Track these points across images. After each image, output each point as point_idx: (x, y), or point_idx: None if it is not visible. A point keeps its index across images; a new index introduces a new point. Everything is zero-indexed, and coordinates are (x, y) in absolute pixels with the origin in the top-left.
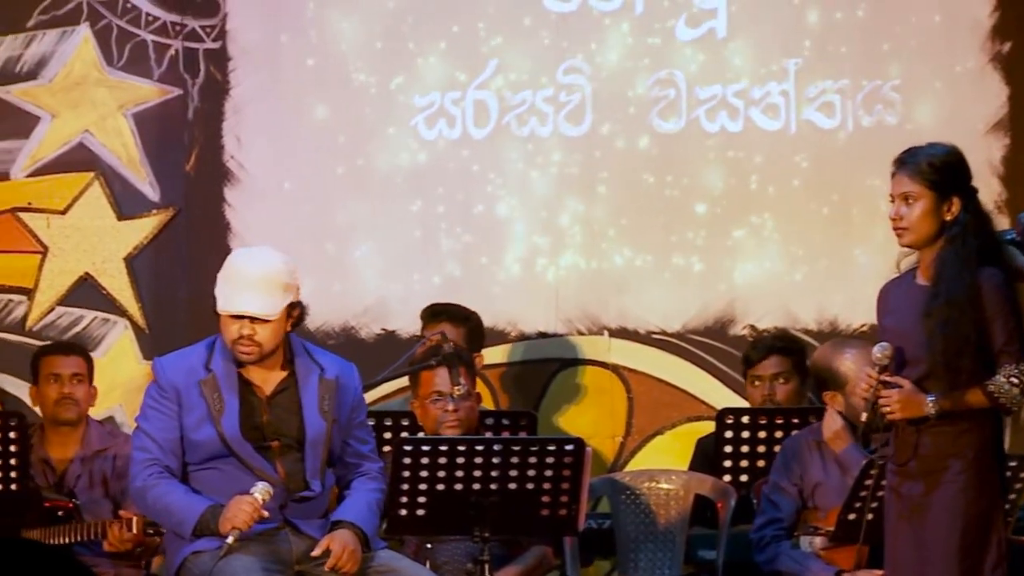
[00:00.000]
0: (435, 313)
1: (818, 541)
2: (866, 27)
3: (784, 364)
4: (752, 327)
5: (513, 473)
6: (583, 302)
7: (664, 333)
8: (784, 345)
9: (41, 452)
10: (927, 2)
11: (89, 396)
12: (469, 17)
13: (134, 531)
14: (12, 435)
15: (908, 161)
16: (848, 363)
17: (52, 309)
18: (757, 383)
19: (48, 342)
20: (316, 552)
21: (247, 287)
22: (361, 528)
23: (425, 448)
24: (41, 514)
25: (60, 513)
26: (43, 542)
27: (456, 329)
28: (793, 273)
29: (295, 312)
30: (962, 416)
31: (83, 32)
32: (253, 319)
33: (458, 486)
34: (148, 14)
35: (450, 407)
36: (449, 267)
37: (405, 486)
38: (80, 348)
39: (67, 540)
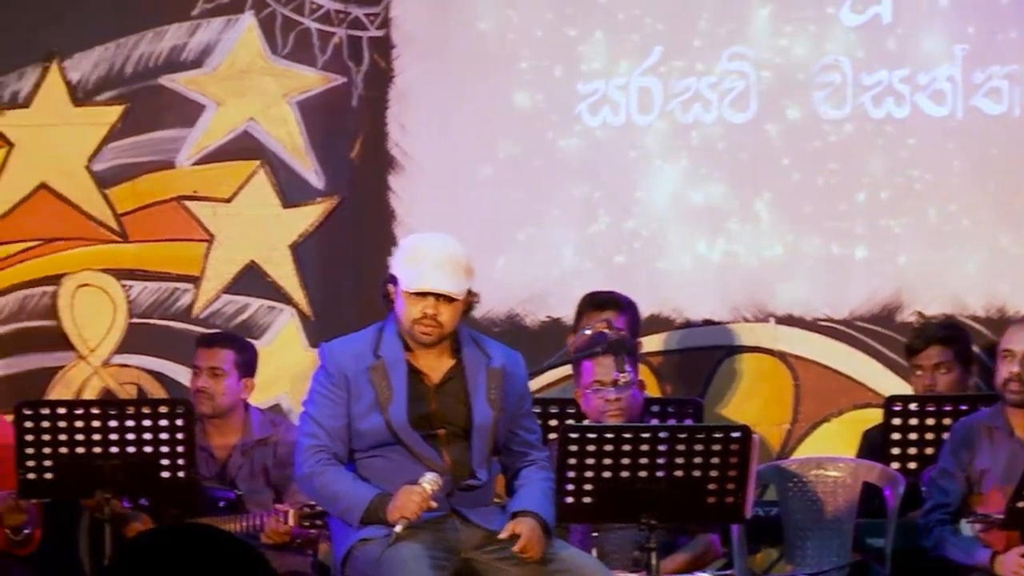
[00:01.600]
0: (597, 301)
1: (978, 526)
2: None
3: (946, 354)
4: (919, 313)
5: (680, 461)
6: (748, 289)
7: (830, 320)
8: (947, 335)
9: (203, 441)
10: None
11: (234, 389)
12: (633, 4)
13: (290, 523)
14: (179, 423)
15: None
16: None
17: (218, 297)
18: (919, 372)
19: (214, 331)
20: (503, 535)
21: (436, 266)
22: (542, 517)
23: (591, 436)
24: (204, 504)
25: (222, 503)
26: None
27: (618, 317)
28: (960, 259)
29: (471, 299)
30: None
31: (247, 20)
32: (439, 298)
33: (624, 474)
34: (312, 2)
35: (611, 396)
36: (613, 254)
37: (571, 474)
38: (230, 340)
39: (231, 531)
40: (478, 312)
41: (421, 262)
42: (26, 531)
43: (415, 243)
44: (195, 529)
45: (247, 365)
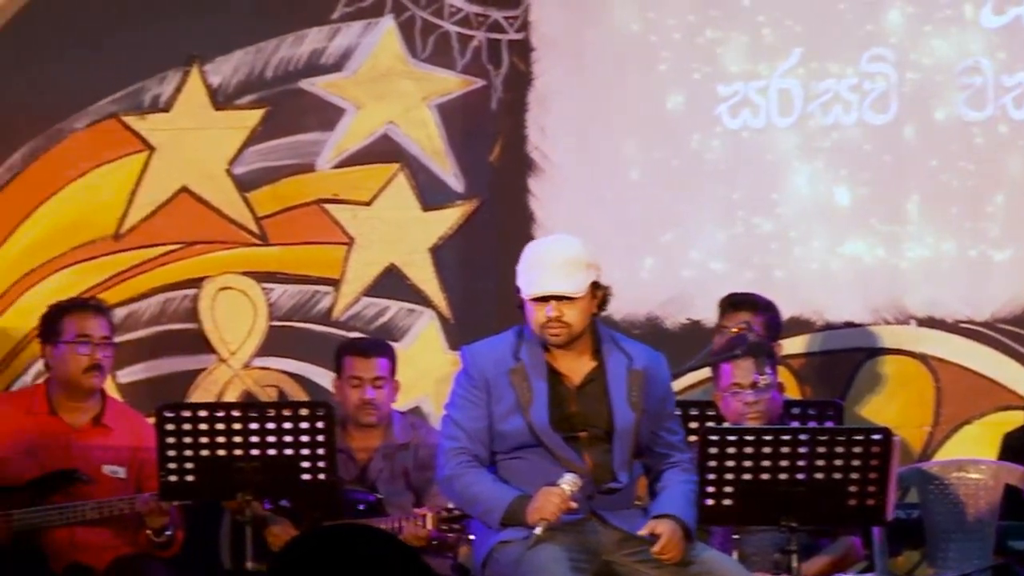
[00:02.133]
0: (736, 303)
1: None
2: None
3: None
4: None
5: (820, 463)
6: (889, 291)
7: (972, 322)
8: None
9: (343, 444)
10: None
11: (391, 395)
12: (772, 6)
13: (428, 527)
14: (320, 425)
15: None
16: None
17: (358, 300)
18: None
19: (354, 334)
20: (643, 532)
21: (549, 269)
22: (683, 519)
23: (731, 438)
24: (344, 506)
25: (362, 506)
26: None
27: (757, 318)
28: None
29: (599, 293)
30: None
31: (387, 24)
32: (560, 299)
33: (765, 476)
34: (451, 5)
35: (750, 399)
36: (752, 256)
37: (712, 476)
38: (383, 347)
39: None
40: (619, 314)
41: (535, 267)
42: (168, 533)
43: (531, 249)
44: (356, 530)
45: (394, 369)
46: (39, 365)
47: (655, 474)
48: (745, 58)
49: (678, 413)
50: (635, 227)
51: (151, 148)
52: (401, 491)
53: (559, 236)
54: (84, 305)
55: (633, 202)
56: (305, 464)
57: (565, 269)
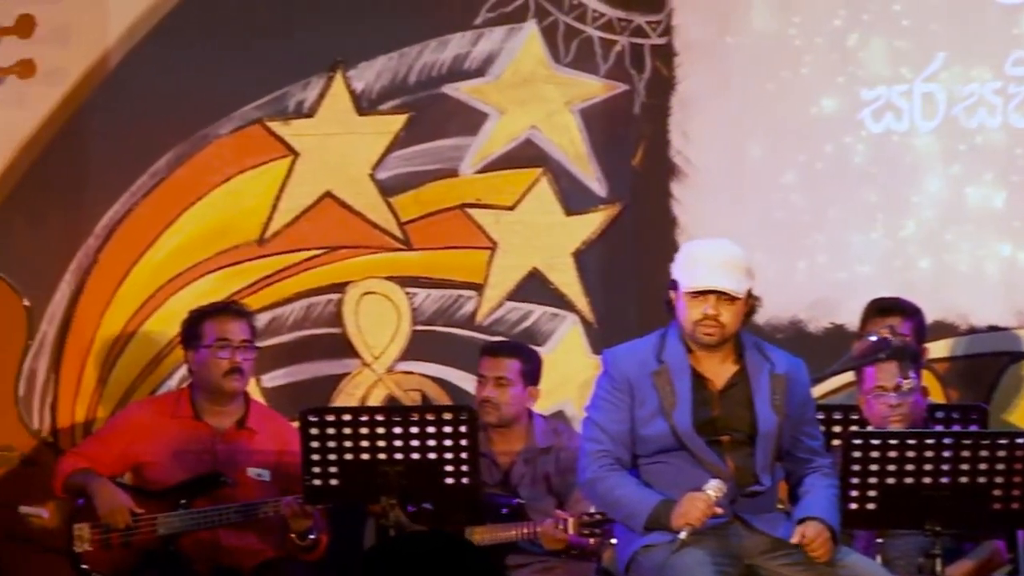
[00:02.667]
0: (883, 308)
1: None
2: None
3: None
4: None
5: (965, 467)
6: None
7: None
8: None
9: (486, 448)
10: None
11: (519, 398)
12: (915, 10)
13: (569, 531)
14: (463, 429)
15: None
16: None
17: (501, 304)
18: None
19: (496, 338)
20: (794, 540)
21: (715, 266)
22: (829, 523)
23: (875, 442)
24: (487, 511)
25: (504, 511)
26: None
27: (904, 323)
28: None
29: (750, 302)
30: None
31: (530, 29)
32: (720, 296)
33: (909, 480)
34: (594, 10)
35: (893, 402)
36: (895, 260)
37: (855, 480)
38: (514, 348)
39: (509, 537)
40: (762, 318)
41: (700, 263)
42: (311, 536)
43: (694, 246)
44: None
45: (532, 374)
46: (184, 370)
47: (796, 479)
48: (888, 62)
49: (821, 417)
50: (778, 231)
51: (295, 153)
52: (543, 495)
53: (723, 239)
54: (224, 309)
55: (776, 206)
56: (448, 468)
57: (729, 269)
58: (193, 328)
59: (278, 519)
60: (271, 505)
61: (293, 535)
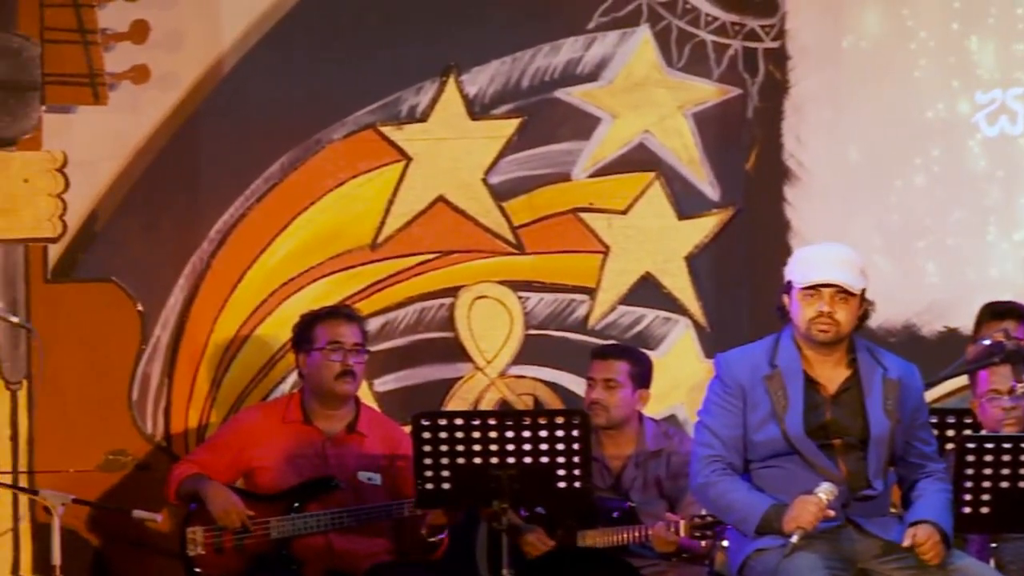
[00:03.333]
0: (998, 312)
1: None
2: None
3: None
4: None
5: None
6: None
7: None
8: None
9: (597, 452)
10: None
11: (628, 400)
12: None
13: (681, 534)
14: (575, 433)
15: None
16: None
17: (614, 308)
18: None
19: (608, 342)
20: (905, 543)
21: (829, 263)
22: (942, 527)
23: (988, 446)
24: (598, 514)
25: (616, 514)
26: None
27: (1019, 327)
28: None
29: (864, 305)
30: None
31: (643, 33)
32: (835, 293)
33: (1022, 484)
34: (707, 14)
35: (1007, 405)
36: (1009, 264)
37: (968, 484)
38: (623, 351)
39: (621, 541)
40: (875, 322)
41: (814, 260)
42: (441, 536)
43: (806, 248)
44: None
45: (642, 376)
46: (296, 374)
47: (909, 484)
48: (1004, 65)
49: (934, 421)
50: (891, 235)
51: (408, 158)
52: (654, 499)
53: (840, 245)
54: (336, 313)
55: (889, 210)
56: (560, 472)
57: (844, 265)
58: (305, 331)
59: (391, 523)
60: (383, 510)
61: (424, 531)
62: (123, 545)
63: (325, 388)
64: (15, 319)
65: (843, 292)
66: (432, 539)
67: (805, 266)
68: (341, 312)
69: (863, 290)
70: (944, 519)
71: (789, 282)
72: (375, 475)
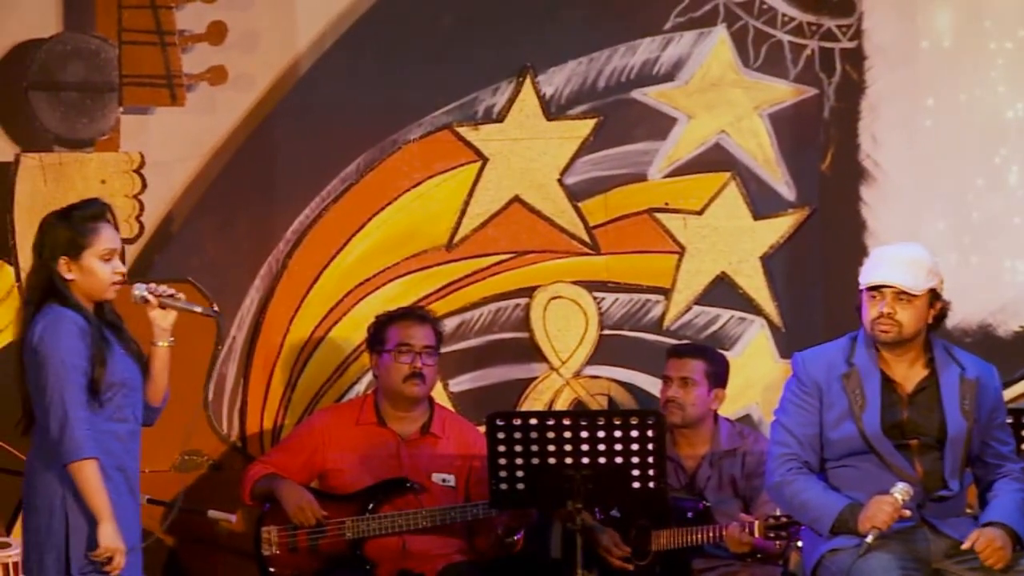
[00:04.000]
0: None
1: None
2: None
3: None
4: None
5: None
6: None
7: None
8: None
9: (671, 451)
10: None
11: (704, 399)
12: None
13: (755, 534)
14: (650, 434)
15: None
16: None
17: (689, 308)
18: None
19: (684, 341)
20: (966, 545)
21: (890, 263)
22: (1012, 527)
23: None
24: (673, 514)
25: (690, 514)
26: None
27: None
28: None
29: (937, 304)
30: None
31: (720, 33)
32: (897, 294)
33: None
34: (784, 14)
35: None
36: None
37: None
38: (700, 350)
39: (694, 541)
40: (951, 322)
41: (878, 261)
42: (517, 537)
43: (881, 248)
44: None
45: (717, 376)
46: (371, 375)
47: (985, 484)
48: None
49: (1010, 421)
50: (967, 235)
51: (484, 158)
52: (729, 499)
53: (913, 244)
54: (408, 314)
55: (966, 209)
56: (635, 472)
57: (906, 266)
58: (378, 333)
59: (465, 524)
60: (459, 511)
61: (501, 531)
62: (198, 545)
63: (395, 390)
64: (198, 309)
65: (904, 293)
66: (508, 539)
67: (871, 266)
68: (413, 313)
69: (932, 290)
70: (1016, 520)
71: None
72: (449, 476)
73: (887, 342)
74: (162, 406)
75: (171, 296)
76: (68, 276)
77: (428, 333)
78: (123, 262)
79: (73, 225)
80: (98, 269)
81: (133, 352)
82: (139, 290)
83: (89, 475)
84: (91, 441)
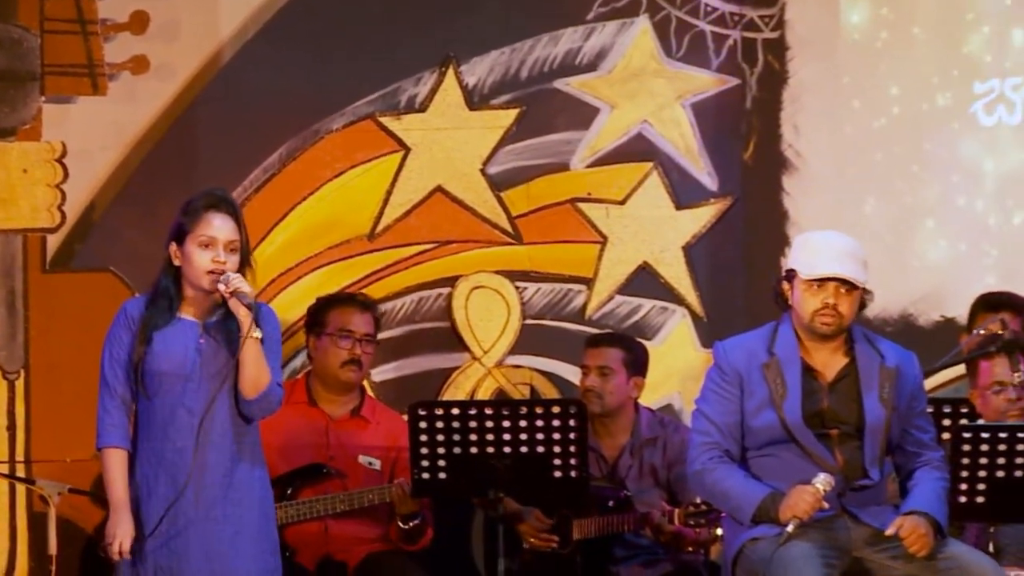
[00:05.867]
0: (994, 303)
1: None
2: None
3: None
4: None
5: None
6: None
7: None
8: None
9: (592, 441)
10: None
11: (622, 388)
12: None
13: (675, 523)
14: (572, 423)
15: None
16: None
17: (611, 298)
18: None
19: (604, 331)
20: (889, 532)
21: (836, 255)
22: (934, 516)
23: (985, 435)
24: (594, 503)
25: (611, 503)
26: None
27: (1015, 318)
28: None
29: (863, 295)
30: None
31: (642, 23)
32: (840, 287)
33: (1018, 473)
34: (707, 5)
35: (1012, 396)
36: (1006, 254)
37: (964, 474)
38: (617, 339)
39: (616, 529)
40: (871, 311)
41: (821, 252)
42: (415, 522)
43: (812, 236)
44: None
45: (635, 364)
46: (299, 359)
47: (906, 472)
48: (1001, 55)
49: (931, 410)
50: (888, 225)
51: (406, 148)
52: (650, 488)
53: (842, 234)
54: (351, 300)
55: (886, 200)
56: (556, 461)
57: (850, 258)
58: (317, 315)
59: (385, 508)
60: (376, 492)
61: (399, 519)
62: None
63: (330, 374)
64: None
65: (848, 284)
66: (405, 526)
67: (812, 257)
68: (356, 300)
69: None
70: (937, 509)
71: (791, 270)
72: (375, 460)
73: (826, 334)
74: (258, 399)
75: (234, 292)
76: (176, 263)
77: (369, 321)
78: (244, 256)
79: (185, 212)
80: (195, 256)
81: (213, 345)
82: (221, 281)
83: (107, 463)
84: (115, 430)
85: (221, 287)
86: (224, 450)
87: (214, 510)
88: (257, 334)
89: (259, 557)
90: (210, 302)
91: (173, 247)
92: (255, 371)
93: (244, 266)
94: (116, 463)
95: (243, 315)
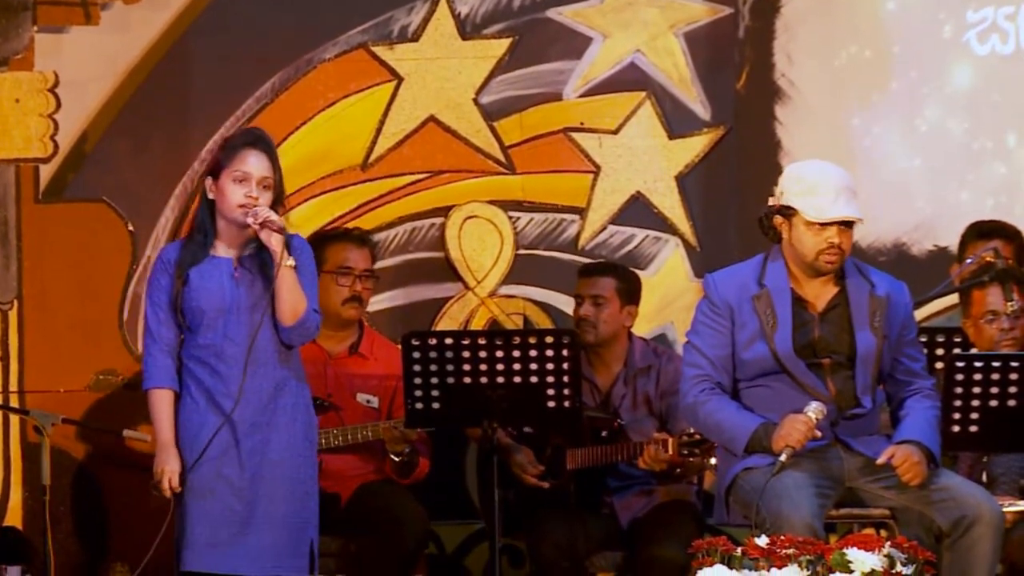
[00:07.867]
0: (983, 231)
1: None
2: None
3: None
4: None
5: None
6: None
7: None
8: None
9: (586, 371)
10: None
11: (616, 317)
12: None
13: (669, 452)
14: (564, 353)
15: None
16: None
17: (604, 228)
18: None
19: (597, 260)
20: (880, 460)
21: (839, 194)
22: (926, 445)
23: (978, 364)
24: (587, 433)
25: (604, 433)
26: None
27: (1007, 246)
28: None
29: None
30: None
31: None
32: (842, 225)
33: (1011, 402)
34: None
35: (1005, 325)
36: (998, 184)
37: (958, 403)
38: (610, 268)
39: (609, 460)
40: (864, 241)
41: (823, 192)
42: (406, 451)
43: (808, 172)
44: None
45: (629, 292)
46: None
47: (897, 401)
48: None
49: (923, 340)
50: (882, 154)
51: (399, 78)
52: (643, 417)
53: (828, 163)
54: (348, 236)
55: (878, 131)
56: (550, 391)
57: (850, 193)
58: (315, 252)
59: (380, 444)
60: (371, 428)
61: (392, 456)
62: (112, 464)
63: (331, 311)
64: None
65: (851, 223)
66: (397, 459)
67: (816, 198)
68: (353, 236)
69: None
70: (929, 438)
71: (789, 207)
72: (373, 398)
73: (830, 272)
74: (296, 325)
75: (263, 222)
76: (211, 196)
77: (367, 256)
78: (278, 195)
79: (222, 148)
80: (229, 191)
81: (248, 277)
82: (250, 214)
83: (153, 403)
84: (160, 371)
85: (250, 220)
86: (268, 377)
87: (259, 433)
88: (291, 262)
89: (299, 482)
90: (243, 237)
91: (209, 181)
92: (291, 298)
93: (277, 204)
94: (162, 403)
95: (276, 244)
